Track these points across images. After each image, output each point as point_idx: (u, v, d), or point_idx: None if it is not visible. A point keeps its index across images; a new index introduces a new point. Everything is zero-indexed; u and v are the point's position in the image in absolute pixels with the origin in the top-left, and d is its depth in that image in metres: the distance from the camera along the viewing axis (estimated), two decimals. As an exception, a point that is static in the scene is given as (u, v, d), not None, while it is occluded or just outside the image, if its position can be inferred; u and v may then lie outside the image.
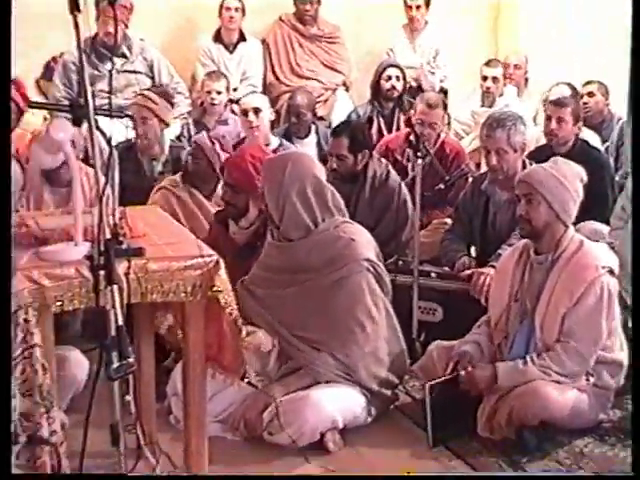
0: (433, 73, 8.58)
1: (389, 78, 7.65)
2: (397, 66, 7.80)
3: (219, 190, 5.49)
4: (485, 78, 7.94)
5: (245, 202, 4.97)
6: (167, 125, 6.36)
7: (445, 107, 6.67)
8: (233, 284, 3.52)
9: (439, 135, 6.50)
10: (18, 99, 6.16)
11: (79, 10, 2.71)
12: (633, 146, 4.07)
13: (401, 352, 4.63)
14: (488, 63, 8.04)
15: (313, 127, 7.15)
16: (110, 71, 6.73)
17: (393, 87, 7.56)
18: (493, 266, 4.95)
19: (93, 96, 2.80)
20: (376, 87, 7.68)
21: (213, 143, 5.57)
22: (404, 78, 7.73)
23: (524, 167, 5.09)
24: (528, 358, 4.20)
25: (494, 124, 5.19)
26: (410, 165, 6.19)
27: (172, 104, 6.49)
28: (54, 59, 7.72)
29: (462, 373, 4.28)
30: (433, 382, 4.30)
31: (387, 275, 4.64)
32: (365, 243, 4.55)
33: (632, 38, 3.95)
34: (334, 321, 4.43)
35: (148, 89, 6.58)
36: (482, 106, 7.97)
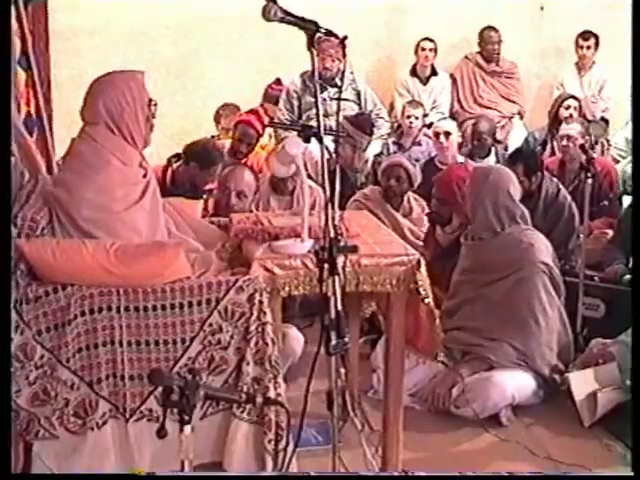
0: (595, 103, 8.29)
1: (568, 107, 7.41)
2: (575, 98, 7.55)
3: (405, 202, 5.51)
4: (634, 111, 7.62)
5: (449, 213, 4.96)
6: (359, 148, 6.37)
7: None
8: (432, 279, 3.45)
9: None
10: (257, 126, 6.29)
11: (314, 47, 2.73)
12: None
13: (568, 343, 4.51)
14: None
15: (493, 149, 7.00)
16: (338, 99, 6.75)
17: (570, 116, 7.31)
18: (650, 273, 4.75)
19: (313, 119, 2.79)
20: (555, 115, 7.42)
21: (414, 166, 5.55)
22: (580, 108, 7.50)
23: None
24: None
25: None
26: (574, 184, 6.02)
27: (366, 132, 6.48)
28: (270, 86, 7.83)
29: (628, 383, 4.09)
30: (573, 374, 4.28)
31: (561, 278, 4.51)
32: (543, 249, 4.45)
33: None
34: (514, 315, 4.35)
35: (346, 118, 6.59)
36: (634, 134, 7.66)
